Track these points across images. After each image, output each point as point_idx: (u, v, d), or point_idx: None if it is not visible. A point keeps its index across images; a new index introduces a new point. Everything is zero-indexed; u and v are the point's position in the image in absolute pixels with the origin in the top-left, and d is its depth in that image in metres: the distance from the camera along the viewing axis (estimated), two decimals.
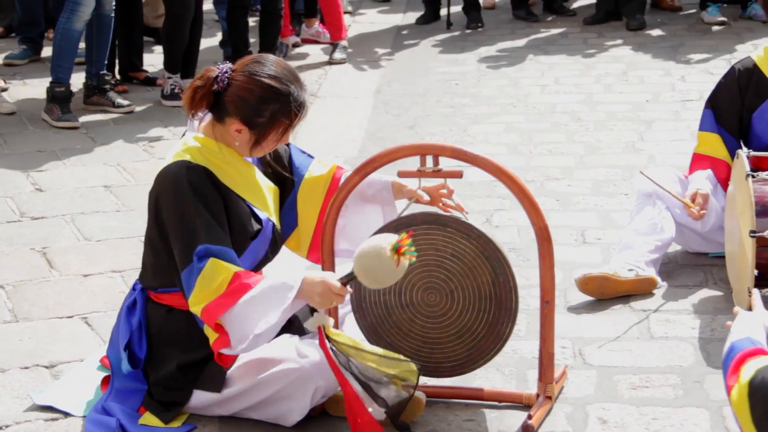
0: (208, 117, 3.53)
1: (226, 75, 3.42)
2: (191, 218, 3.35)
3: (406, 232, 3.24)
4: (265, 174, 3.64)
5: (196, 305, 3.33)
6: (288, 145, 3.74)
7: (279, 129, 3.44)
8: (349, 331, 3.61)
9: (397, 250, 3.17)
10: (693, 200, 4.50)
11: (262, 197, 3.59)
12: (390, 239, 3.19)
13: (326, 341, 3.33)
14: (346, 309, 3.77)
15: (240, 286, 3.28)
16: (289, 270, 3.49)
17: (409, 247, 3.18)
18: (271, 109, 3.40)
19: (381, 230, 3.59)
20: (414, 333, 3.67)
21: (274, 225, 3.61)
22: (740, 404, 2.58)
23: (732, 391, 2.61)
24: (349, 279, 3.31)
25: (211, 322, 3.31)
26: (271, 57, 3.50)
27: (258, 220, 3.54)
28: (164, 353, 3.53)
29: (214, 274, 3.30)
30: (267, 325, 3.27)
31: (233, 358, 3.45)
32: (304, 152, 3.79)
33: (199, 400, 3.51)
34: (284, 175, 3.69)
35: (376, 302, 3.67)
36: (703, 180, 4.56)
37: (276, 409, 3.47)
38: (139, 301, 3.59)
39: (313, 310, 3.53)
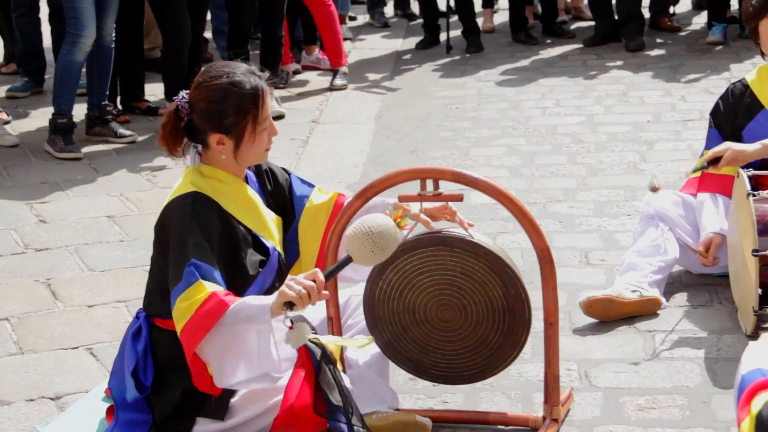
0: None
1: (185, 100, 3.45)
2: (185, 239, 3.34)
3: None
4: (268, 205, 3.65)
5: (176, 324, 3.31)
6: (288, 174, 3.75)
7: (248, 120, 3.42)
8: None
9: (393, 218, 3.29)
10: (707, 248, 4.50)
11: (268, 227, 3.59)
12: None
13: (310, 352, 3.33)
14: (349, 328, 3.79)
15: (217, 305, 3.23)
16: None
17: (404, 219, 3.32)
18: (231, 103, 3.40)
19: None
20: (431, 347, 3.69)
21: (279, 254, 3.61)
22: None
23: (743, 423, 2.60)
24: (340, 266, 3.29)
25: (189, 351, 3.28)
26: (215, 63, 3.54)
27: (265, 249, 3.54)
28: (170, 379, 3.50)
29: (194, 292, 3.27)
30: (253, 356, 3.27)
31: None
32: (304, 182, 3.78)
33: (203, 429, 3.49)
34: (286, 205, 3.69)
35: (391, 321, 3.67)
36: (717, 218, 4.53)
37: None
38: (144, 328, 3.57)
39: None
